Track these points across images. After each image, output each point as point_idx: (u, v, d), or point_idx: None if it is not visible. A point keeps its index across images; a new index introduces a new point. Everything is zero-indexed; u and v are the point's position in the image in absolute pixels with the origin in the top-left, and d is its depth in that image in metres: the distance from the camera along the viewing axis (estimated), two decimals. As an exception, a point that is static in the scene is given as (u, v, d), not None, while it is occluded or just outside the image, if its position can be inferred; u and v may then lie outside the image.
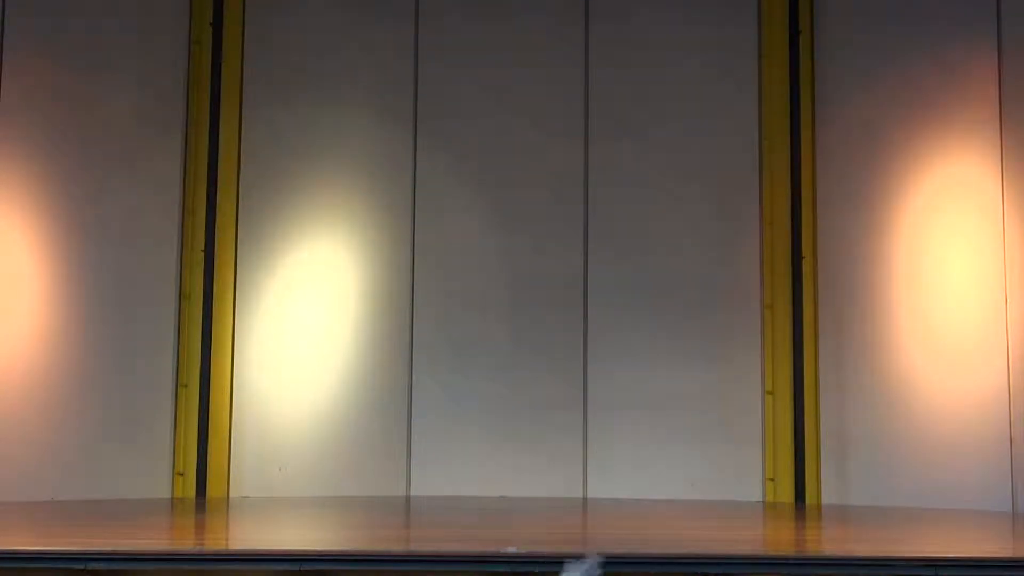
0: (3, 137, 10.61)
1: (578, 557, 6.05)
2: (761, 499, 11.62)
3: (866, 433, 11.15)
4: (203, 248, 11.91)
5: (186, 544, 7.56)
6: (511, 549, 6.65)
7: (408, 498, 11.74)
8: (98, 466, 11.01)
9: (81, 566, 6.28)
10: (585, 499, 11.64)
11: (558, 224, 12.27)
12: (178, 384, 11.77)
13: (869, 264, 11.32)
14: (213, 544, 7.68)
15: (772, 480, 11.64)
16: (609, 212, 12.21)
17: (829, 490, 11.43)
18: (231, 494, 11.70)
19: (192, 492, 11.59)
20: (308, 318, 12.13)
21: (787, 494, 11.55)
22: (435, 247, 12.26)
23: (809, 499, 11.44)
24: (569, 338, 12.07)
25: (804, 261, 11.81)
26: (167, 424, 11.68)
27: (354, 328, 12.21)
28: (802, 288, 11.78)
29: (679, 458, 11.77)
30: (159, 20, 11.90)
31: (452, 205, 12.34)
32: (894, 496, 10.77)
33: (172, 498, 11.47)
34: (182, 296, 11.86)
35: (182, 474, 11.65)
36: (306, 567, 6.29)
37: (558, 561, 6.19)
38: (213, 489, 11.66)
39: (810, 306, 11.72)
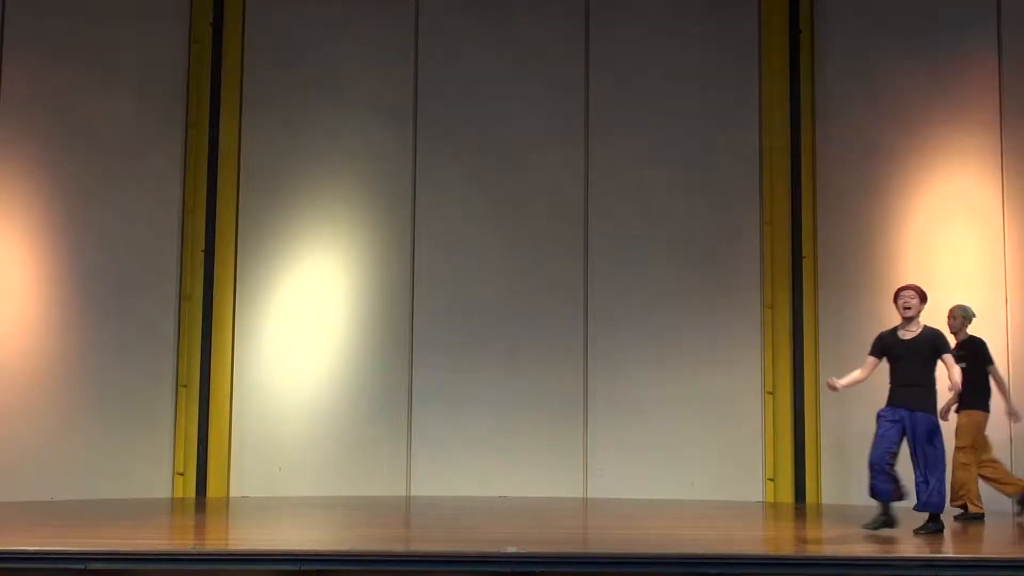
0: (3, 137, 10.62)
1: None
2: (761, 499, 11.62)
3: (866, 433, 11.10)
4: (203, 248, 11.91)
5: (186, 544, 7.55)
6: (511, 549, 6.65)
7: (408, 498, 11.74)
8: (98, 466, 11.01)
9: (81, 566, 6.28)
10: (585, 499, 11.64)
11: (558, 224, 12.27)
12: (178, 384, 11.77)
13: (869, 263, 11.31)
14: (213, 544, 7.68)
15: (772, 480, 11.64)
16: (609, 212, 12.21)
17: (829, 490, 11.43)
18: (231, 494, 11.71)
19: (192, 492, 11.58)
20: (308, 318, 12.13)
21: (787, 494, 11.55)
22: (435, 247, 12.26)
23: (809, 499, 11.44)
24: (570, 338, 12.07)
25: (804, 261, 11.81)
26: (167, 424, 11.69)
27: (354, 328, 12.20)
28: (802, 288, 11.78)
29: (679, 458, 11.77)
30: (159, 20, 11.91)
31: (452, 204, 12.34)
32: (894, 496, 10.75)
33: (172, 498, 11.47)
34: (182, 296, 11.86)
35: (182, 474, 11.65)
36: (306, 567, 6.29)
37: (558, 561, 6.19)
38: (213, 489, 11.66)
39: (810, 306, 11.72)
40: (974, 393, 9.00)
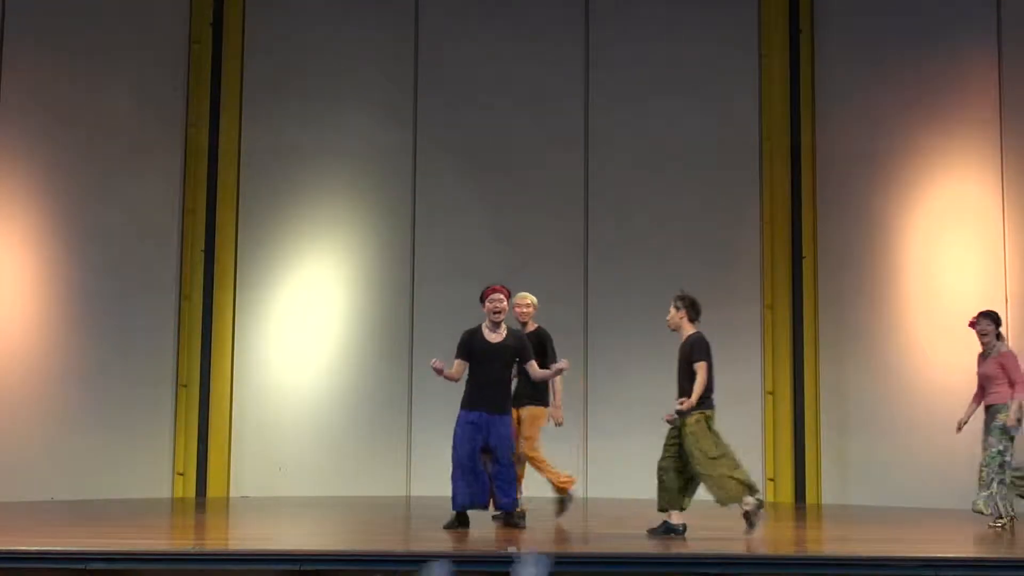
0: (3, 137, 10.61)
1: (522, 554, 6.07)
2: (761, 499, 11.60)
3: (866, 433, 11.14)
4: (203, 248, 11.91)
5: (186, 544, 7.56)
6: (511, 549, 6.66)
7: (408, 498, 11.73)
8: (98, 466, 11.01)
9: (81, 566, 6.28)
10: (585, 499, 11.63)
11: (558, 224, 12.27)
12: (178, 384, 11.77)
13: (869, 264, 11.32)
14: (213, 544, 7.68)
15: (772, 480, 11.63)
16: (609, 212, 12.21)
17: (829, 490, 11.43)
18: (231, 494, 11.70)
19: (192, 492, 11.58)
20: (308, 318, 12.12)
21: (787, 494, 11.54)
22: (435, 246, 12.26)
23: (809, 499, 11.44)
24: (570, 338, 12.02)
25: (804, 261, 11.81)
26: (167, 424, 11.68)
27: (354, 328, 12.20)
28: (802, 288, 11.78)
29: (679, 458, 11.75)
30: (159, 20, 11.91)
31: (452, 204, 12.34)
32: (894, 496, 10.76)
33: (172, 498, 11.47)
34: (182, 296, 11.86)
35: (182, 474, 11.65)
36: (306, 567, 6.29)
37: (558, 561, 6.19)
38: (213, 489, 11.65)
39: (810, 306, 11.72)
40: (542, 386, 8.87)
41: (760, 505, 7.68)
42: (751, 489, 7.63)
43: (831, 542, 7.73)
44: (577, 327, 12.07)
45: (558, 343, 12.03)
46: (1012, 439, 8.39)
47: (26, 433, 10.55)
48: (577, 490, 11.74)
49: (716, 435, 7.81)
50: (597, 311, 12.07)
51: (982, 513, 8.33)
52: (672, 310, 8.10)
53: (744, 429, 11.75)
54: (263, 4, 12.29)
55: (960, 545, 7.64)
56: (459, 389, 11.87)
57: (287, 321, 12.10)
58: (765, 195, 12.00)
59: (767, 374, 11.76)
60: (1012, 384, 8.30)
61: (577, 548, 7.26)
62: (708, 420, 7.78)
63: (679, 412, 7.74)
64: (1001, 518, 8.28)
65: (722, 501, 7.66)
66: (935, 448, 10.52)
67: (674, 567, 6.40)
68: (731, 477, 7.65)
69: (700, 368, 7.75)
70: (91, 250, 11.14)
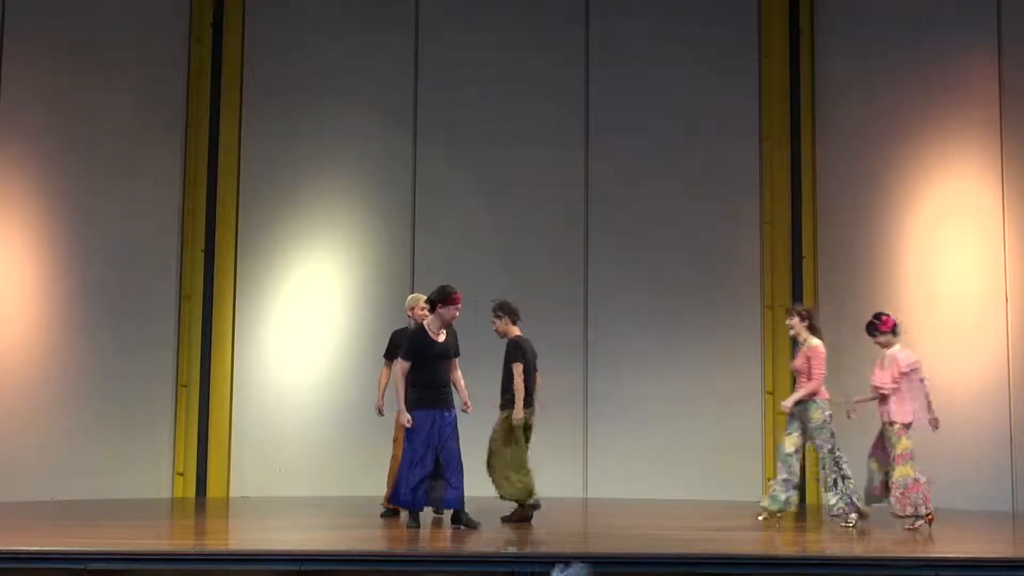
0: (3, 137, 10.61)
1: (565, 560, 6.04)
2: (761, 499, 11.60)
3: (866, 433, 11.12)
4: (203, 248, 11.91)
5: (186, 544, 7.56)
6: (511, 549, 6.66)
7: (408, 498, 11.70)
8: (98, 466, 11.01)
9: (81, 566, 6.28)
10: (585, 499, 11.64)
11: (558, 225, 12.27)
12: (178, 384, 11.77)
13: (869, 263, 11.31)
14: (213, 544, 7.68)
15: (771, 480, 11.62)
16: (609, 212, 12.21)
17: (829, 490, 11.41)
18: (231, 494, 11.70)
19: (192, 492, 11.59)
20: (308, 318, 12.12)
21: (787, 494, 11.52)
22: (435, 247, 12.25)
23: (809, 499, 11.43)
24: (570, 337, 12.06)
25: (804, 261, 11.81)
26: (167, 424, 11.69)
27: (354, 328, 12.19)
28: (802, 288, 11.78)
29: (679, 458, 11.76)
30: (159, 20, 11.92)
31: (452, 204, 12.34)
32: (894, 496, 10.75)
33: (172, 498, 11.47)
34: (182, 296, 11.86)
35: (182, 474, 11.66)
36: (306, 567, 6.29)
37: (558, 561, 6.19)
38: (213, 489, 11.65)
39: (810, 306, 11.71)
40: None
41: (536, 507, 8.48)
42: (531, 495, 8.55)
43: (831, 542, 7.72)
44: (577, 326, 12.07)
45: (559, 342, 12.12)
46: (832, 433, 8.74)
47: (26, 433, 10.55)
48: (576, 490, 11.86)
49: (519, 435, 8.61)
50: (597, 310, 12.06)
51: (841, 514, 8.46)
52: (495, 320, 8.76)
53: (744, 429, 11.77)
54: (263, 5, 12.29)
55: (960, 545, 7.65)
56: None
57: (287, 321, 12.10)
58: (765, 195, 12.01)
59: (767, 374, 11.76)
60: (810, 377, 8.76)
61: (577, 548, 7.26)
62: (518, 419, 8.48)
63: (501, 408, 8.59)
64: (856, 513, 8.42)
65: (504, 495, 8.54)
66: (936, 448, 10.51)
67: (674, 567, 6.40)
68: (518, 477, 8.49)
69: (516, 370, 8.45)
70: (91, 250, 11.14)
